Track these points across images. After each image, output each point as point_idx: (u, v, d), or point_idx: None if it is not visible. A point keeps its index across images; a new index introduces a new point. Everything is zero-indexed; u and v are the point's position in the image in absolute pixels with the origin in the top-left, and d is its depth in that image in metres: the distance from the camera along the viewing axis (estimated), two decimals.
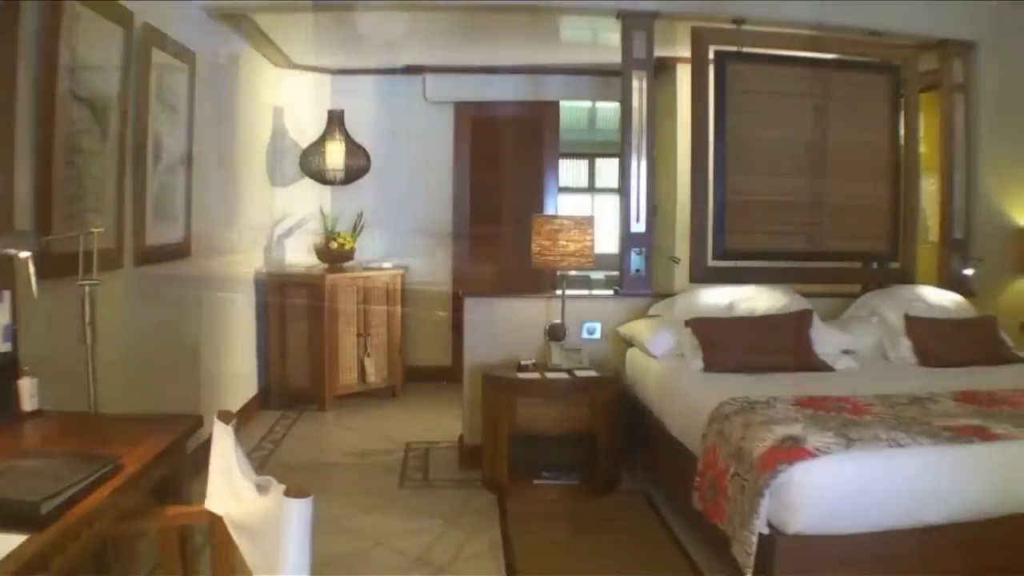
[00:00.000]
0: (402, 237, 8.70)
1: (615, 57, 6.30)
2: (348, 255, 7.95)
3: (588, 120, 11.56)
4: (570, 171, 12.06)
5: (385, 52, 8.04)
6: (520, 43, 7.68)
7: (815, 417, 3.98)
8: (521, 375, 5.69)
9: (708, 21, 6.29)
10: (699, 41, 6.23)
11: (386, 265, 8.33)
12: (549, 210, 8.84)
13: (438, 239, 8.84)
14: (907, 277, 6.56)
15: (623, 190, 6.22)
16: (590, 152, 12.74)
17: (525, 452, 5.71)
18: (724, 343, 5.30)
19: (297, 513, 1.99)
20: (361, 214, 8.27)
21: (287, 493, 2.01)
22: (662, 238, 7.41)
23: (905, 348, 5.66)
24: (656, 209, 6.83)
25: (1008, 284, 6.93)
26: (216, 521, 2.62)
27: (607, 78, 7.57)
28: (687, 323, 5.47)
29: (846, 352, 5.69)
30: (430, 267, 8.73)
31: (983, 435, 3.74)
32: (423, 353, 8.57)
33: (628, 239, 6.20)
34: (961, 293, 6.50)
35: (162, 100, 5.23)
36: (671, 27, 6.44)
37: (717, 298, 5.76)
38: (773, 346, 5.34)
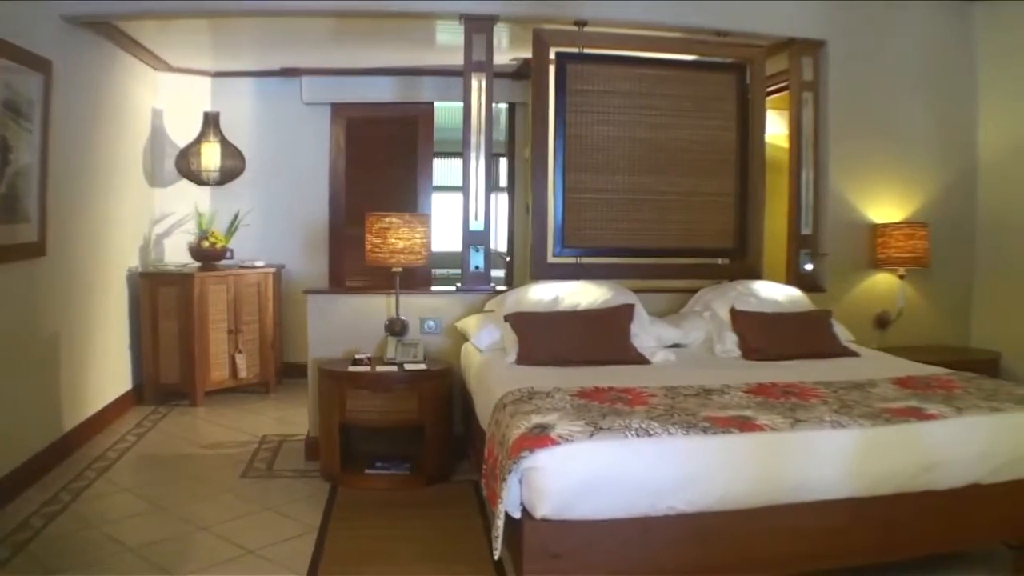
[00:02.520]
0: (280, 236, 8.84)
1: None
2: (220, 254, 8.04)
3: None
4: (446, 170, 12.07)
5: (261, 55, 8.15)
6: (395, 46, 7.79)
7: (583, 407, 4.07)
8: (352, 368, 5.79)
9: (551, 23, 6.43)
10: (540, 43, 6.34)
11: (258, 264, 8.41)
12: (423, 209, 8.95)
13: (315, 237, 8.96)
14: (753, 273, 6.68)
15: (463, 189, 6.32)
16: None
17: (362, 443, 5.96)
18: (540, 337, 5.41)
19: None
20: (237, 214, 8.36)
21: None
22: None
23: (730, 342, 5.79)
24: (529, 208, 6.95)
25: (861, 278, 7.10)
26: None
27: (450, 79, 7.66)
28: (506, 318, 5.59)
29: (675, 346, 5.84)
30: (306, 265, 8.84)
31: (744, 426, 3.83)
32: (300, 349, 8.64)
33: (468, 237, 6.32)
34: (809, 288, 6.68)
35: (12, 107, 5.32)
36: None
37: (544, 293, 5.88)
38: (591, 340, 5.46)
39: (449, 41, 7.03)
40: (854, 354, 5.76)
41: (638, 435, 3.67)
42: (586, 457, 3.58)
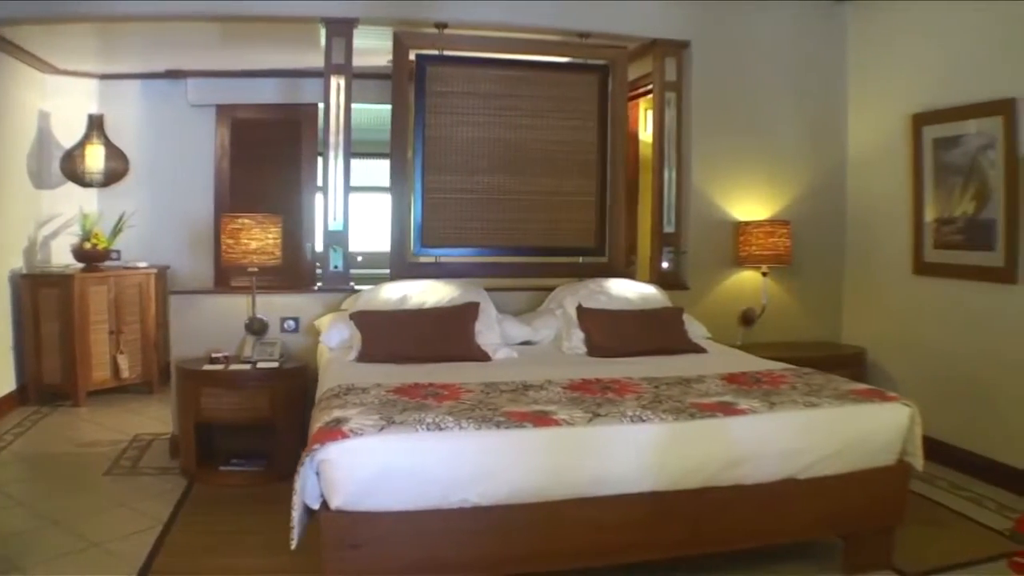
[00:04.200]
0: (166, 237, 8.88)
1: (371, 60, 6.69)
2: (103, 255, 8.07)
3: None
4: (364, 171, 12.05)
5: (147, 57, 8.19)
6: (281, 47, 7.83)
7: (392, 402, 4.15)
8: (207, 367, 5.87)
9: (412, 26, 6.53)
10: (400, 46, 6.43)
11: (141, 264, 8.44)
12: (308, 208, 9.02)
13: (201, 238, 8.99)
14: (613, 271, 6.80)
15: (323, 189, 6.39)
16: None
17: (224, 441, 6.05)
18: (382, 335, 5.49)
19: None
20: (122, 215, 8.38)
21: None
22: None
23: (577, 339, 5.89)
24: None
25: (725, 276, 7.21)
26: None
27: (364, 80, 7.69)
28: (351, 316, 5.67)
29: (527, 343, 5.96)
30: (193, 265, 8.88)
31: (540, 421, 3.91)
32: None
33: (327, 237, 6.40)
34: (672, 286, 6.82)
35: None
36: None
37: (394, 293, 5.96)
38: (433, 337, 5.54)
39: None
40: (702, 350, 5.87)
41: (429, 429, 3.75)
42: (377, 450, 3.66)
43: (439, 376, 4.80)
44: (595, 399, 4.31)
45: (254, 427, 5.89)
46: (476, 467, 3.75)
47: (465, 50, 6.56)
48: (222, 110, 8.98)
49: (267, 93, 8.89)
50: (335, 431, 3.69)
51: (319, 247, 7.79)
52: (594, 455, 3.89)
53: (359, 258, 6.33)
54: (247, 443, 6.02)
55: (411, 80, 6.46)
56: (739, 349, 6.36)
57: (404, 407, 4.04)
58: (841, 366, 6.52)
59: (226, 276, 8.50)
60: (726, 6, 7.07)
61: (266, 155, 9.06)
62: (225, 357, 5.97)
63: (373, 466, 3.64)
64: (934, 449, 6.14)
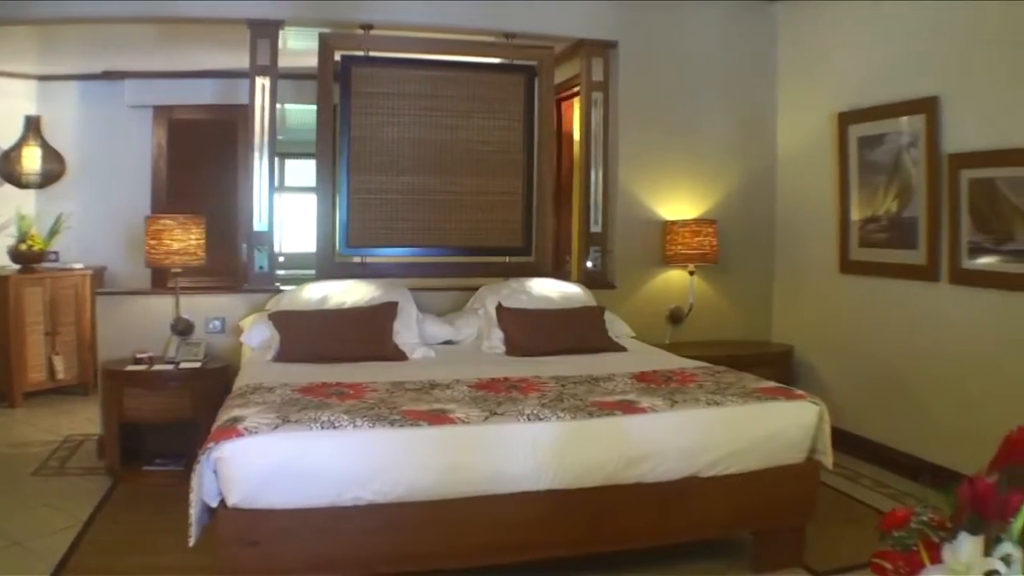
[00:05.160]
0: (105, 237, 8.83)
1: (307, 61, 6.64)
2: (39, 256, 8.06)
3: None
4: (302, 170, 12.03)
5: (85, 58, 8.19)
6: (218, 48, 7.84)
7: (295, 401, 4.20)
8: (131, 367, 5.90)
9: (338, 27, 6.57)
10: (325, 47, 6.47)
11: (76, 266, 8.44)
12: (245, 209, 9.00)
13: (138, 239, 8.88)
14: (540, 270, 6.87)
15: (248, 190, 6.44)
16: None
17: (150, 441, 6.07)
18: (299, 335, 5.54)
19: None
20: (59, 216, 8.38)
21: None
22: None
23: (496, 338, 5.96)
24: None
25: (653, 275, 7.27)
26: None
27: (299, 81, 7.72)
28: (270, 316, 5.72)
29: (448, 343, 6.01)
30: (131, 266, 8.85)
31: (436, 419, 3.97)
32: None
33: (251, 238, 6.45)
34: (599, 285, 6.89)
35: None
36: None
37: (316, 293, 6.01)
38: (350, 337, 5.60)
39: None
40: (621, 349, 5.94)
41: (323, 428, 3.80)
42: (270, 448, 3.71)
43: (351, 375, 4.85)
44: (497, 398, 4.36)
45: (177, 427, 5.91)
46: (370, 465, 3.80)
47: (391, 51, 6.61)
48: (159, 111, 8.99)
49: (204, 94, 8.90)
50: (230, 430, 3.74)
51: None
52: (490, 453, 3.94)
53: (281, 259, 6.34)
54: (173, 443, 6.04)
55: (337, 81, 6.48)
56: (666, 347, 6.44)
57: (304, 406, 4.08)
58: (767, 364, 6.61)
59: (163, 277, 8.52)
60: (655, 6, 7.11)
61: (203, 155, 9.08)
62: (149, 358, 5.99)
63: (267, 464, 3.69)
64: (858, 446, 6.27)
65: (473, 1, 6.69)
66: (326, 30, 6.51)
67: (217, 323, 6.34)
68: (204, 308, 6.34)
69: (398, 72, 6.60)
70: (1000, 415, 3.55)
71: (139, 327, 6.29)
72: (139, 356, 5.99)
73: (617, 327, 6.32)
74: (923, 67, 5.91)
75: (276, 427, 3.77)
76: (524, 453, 3.96)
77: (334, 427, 3.82)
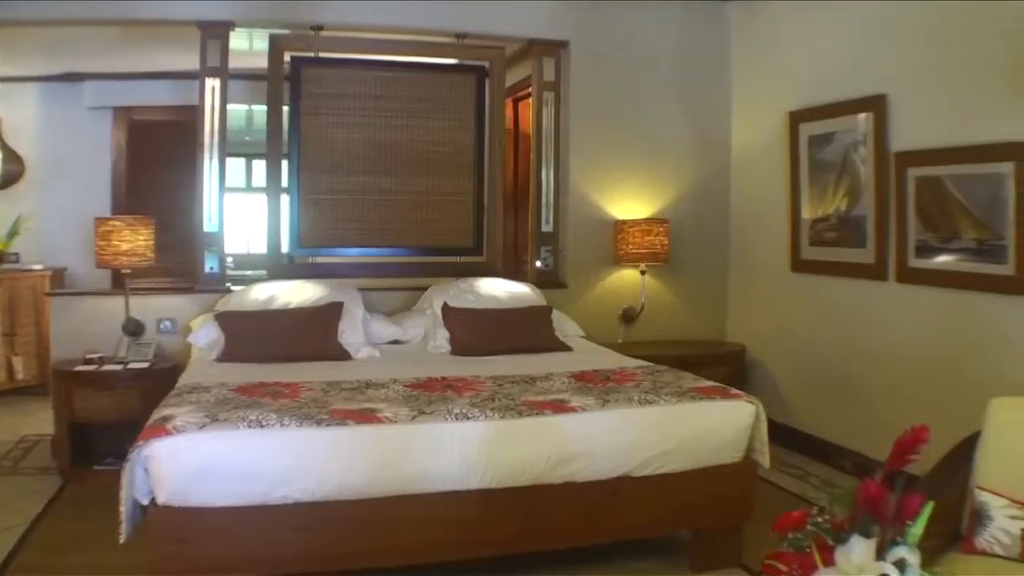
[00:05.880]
0: (65, 238, 8.80)
1: (262, 62, 6.63)
2: None
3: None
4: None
5: (45, 60, 8.21)
6: (179, 49, 7.82)
7: (228, 400, 4.24)
8: (80, 367, 5.93)
9: (289, 28, 6.62)
10: (275, 48, 6.52)
11: (36, 267, 8.46)
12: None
13: None
14: (491, 270, 6.92)
15: (197, 192, 6.48)
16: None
17: (101, 440, 6.04)
18: (243, 335, 5.59)
19: None
20: (19, 218, 8.40)
21: None
22: None
23: (442, 338, 6.00)
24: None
25: (605, 274, 7.31)
26: None
27: (254, 82, 7.74)
28: (215, 317, 5.76)
29: (395, 342, 6.05)
30: (90, 267, 8.83)
31: (363, 418, 4.01)
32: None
33: (202, 239, 6.49)
34: (551, 285, 6.94)
35: None
36: None
37: (263, 293, 6.05)
38: (294, 337, 5.64)
39: (234, 46, 6.99)
40: (567, 349, 5.99)
41: (250, 427, 3.85)
42: (198, 447, 3.75)
43: (290, 375, 4.87)
44: (430, 397, 4.39)
45: (126, 426, 5.90)
46: (297, 464, 3.84)
47: (342, 52, 6.66)
48: (119, 112, 9.01)
49: (164, 95, 8.91)
50: (159, 428, 3.79)
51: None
52: (418, 452, 3.98)
53: (229, 259, 6.38)
54: (123, 442, 6.01)
55: (288, 81, 6.53)
56: (618, 347, 6.47)
57: (236, 405, 4.13)
58: (719, 363, 6.69)
59: (121, 276, 8.53)
60: (607, 6, 7.14)
61: (163, 156, 9.07)
62: (100, 358, 6.02)
63: (195, 462, 3.74)
64: (809, 445, 6.33)
65: (424, 1, 6.72)
66: (278, 31, 6.56)
67: (168, 324, 6.38)
68: (156, 309, 6.39)
69: (349, 73, 6.64)
70: (944, 413, 3.64)
71: (92, 328, 6.32)
72: (89, 357, 6.02)
73: (566, 327, 6.37)
74: (872, 66, 5.95)
75: (203, 426, 3.82)
76: (452, 452, 4.00)
77: (261, 426, 3.86)
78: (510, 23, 6.96)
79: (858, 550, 1.86)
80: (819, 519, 2.08)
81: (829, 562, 1.91)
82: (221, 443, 3.79)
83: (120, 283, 7.49)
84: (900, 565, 1.85)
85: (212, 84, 6.39)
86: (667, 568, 4.64)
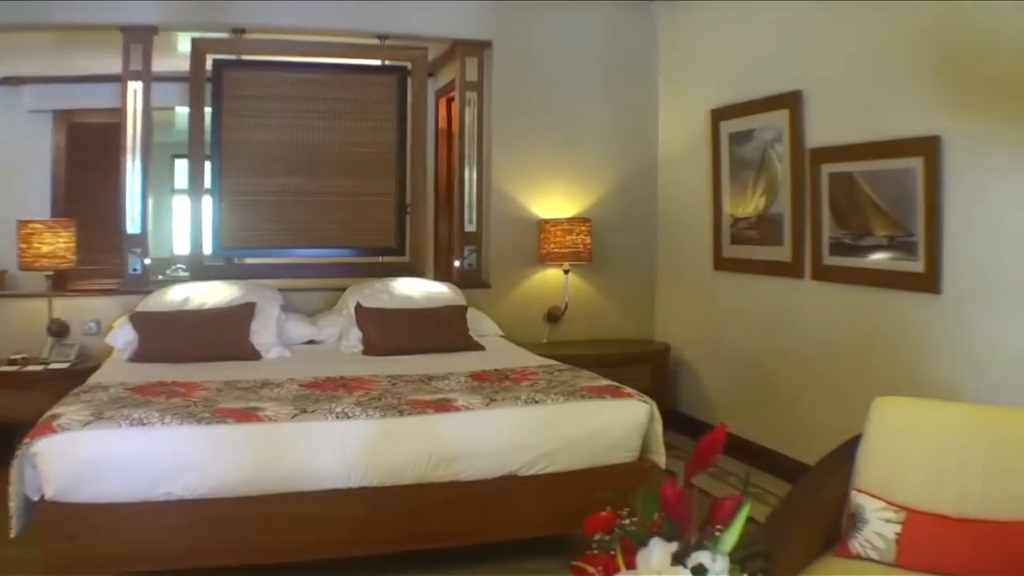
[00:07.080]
0: (2, 241, 8.77)
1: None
2: None
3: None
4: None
5: None
6: (115, 53, 7.85)
7: (122, 399, 4.32)
8: (2, 368, 6.02)
9: (212, 31, 6.71)
10: (197, 52, 6.62)
11: None
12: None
13: None
14: (414, 270, 7.03)
15: (121, 194, 6.57)
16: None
17: (19, 440, 6.01)
18: (155, 335, 5.69)
19: None
20: None
21: None
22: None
23: (355, 337, 6.09)
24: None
25: (529, 274, 7.38)
26: None
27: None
28: (130, 317, 5.85)
29: (312, 342, 6.14)
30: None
31: (243, 417, 4.11)
32: None
33: (126, 240, 6.57)
34: (474, 284, 7.04)
35: None
36: None
37: (179, 294, 6.15)
38: (205, 337, 5.73)
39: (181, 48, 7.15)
40: (479, 348, 6.09)
41: (132, 425, 3.95)
42: (81, 444, 3.86)
43: (192, 375, 4.96)
44: (318, 396, 4.48)
45: None
46: (178, 462, 3.94)
47: (264, 54, 6.79)
48: (59, 115, 9.06)
49: (103, 98, 8.91)
50: (46, 426, 3.90)
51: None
52: (297, 451, 4.08)
53: (147, 261, 6.45)
54: None
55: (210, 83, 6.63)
56: (542, 347, 6.59)
57: (126, 404, 4.22)
58: (644, 362, 6.79)
59: (64, 280, 8.58)
60: (531, 6, 7.20)
61: (102, 159, 9.03)
62: (23, 359, 6.10)
63: (80, 459, 3.84)
64: (731, 444, 6.31)
65: (345, 2, 6.79)
66: (201, 34, 6.64)
67: (93, 325, 6.45)
68: (83, 310, 6.48)
69: (270, 75, 6.76)
70: (859, 410, 3.65)
71: (19, 329, 6.40)
72: (12, 357, 6.10)
73: (484, 326, 6.47)
74: (788, 63, 6.02)
75: (87, 424, 3.92)
76: (331, 451, 4.09)
77: (143, 424, 3.96)
78: (433, 24, 7.03)
79: (657, 553, 1.86)
80: (626, 521, 2.07)
81: (631, 565, 1.92)
82: (103, 441, 3.88)
83: (61, 286, 7.60)
84: (699, 571, 1.84)
85: (135, 87, 6.47)
86: (558, 568, 4.57)
